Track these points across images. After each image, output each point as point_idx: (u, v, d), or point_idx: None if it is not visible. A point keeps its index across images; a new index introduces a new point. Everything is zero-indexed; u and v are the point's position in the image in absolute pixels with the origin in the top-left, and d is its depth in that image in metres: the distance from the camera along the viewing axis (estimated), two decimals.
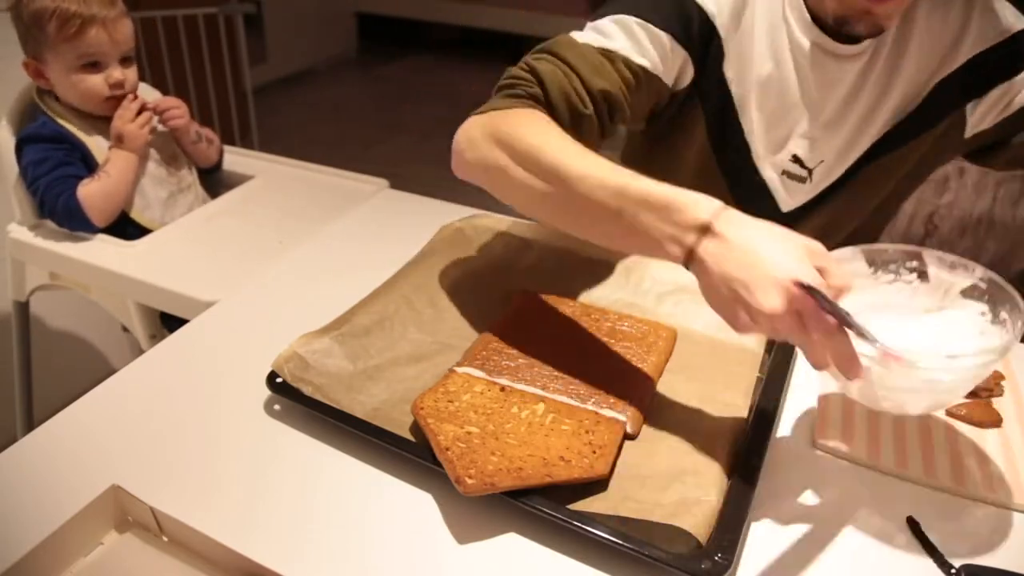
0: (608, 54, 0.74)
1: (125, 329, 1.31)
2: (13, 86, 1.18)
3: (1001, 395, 0.71)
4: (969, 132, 0.84)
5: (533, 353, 0.72)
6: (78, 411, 0.67)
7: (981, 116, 0.82)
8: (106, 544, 0.57)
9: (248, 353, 0.76)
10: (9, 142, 1.14)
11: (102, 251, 1.05)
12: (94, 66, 1.06)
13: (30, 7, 1.03)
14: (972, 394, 0.71)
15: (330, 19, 4.43)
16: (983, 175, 1.49)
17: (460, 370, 0.69)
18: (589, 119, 0.73)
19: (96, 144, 1.11)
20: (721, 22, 0.78)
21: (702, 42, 0.79)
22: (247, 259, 1.01)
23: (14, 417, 1.44)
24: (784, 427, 0.67)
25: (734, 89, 0.82)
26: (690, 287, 0.82)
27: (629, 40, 0.75)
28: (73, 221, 1.05)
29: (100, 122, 1.12)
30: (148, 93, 1.24)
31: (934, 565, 0.55)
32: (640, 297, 0.83)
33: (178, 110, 1.16)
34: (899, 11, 0.73)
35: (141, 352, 0.78)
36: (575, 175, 0.60)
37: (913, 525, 0.58)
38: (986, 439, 0.66)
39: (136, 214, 1.13)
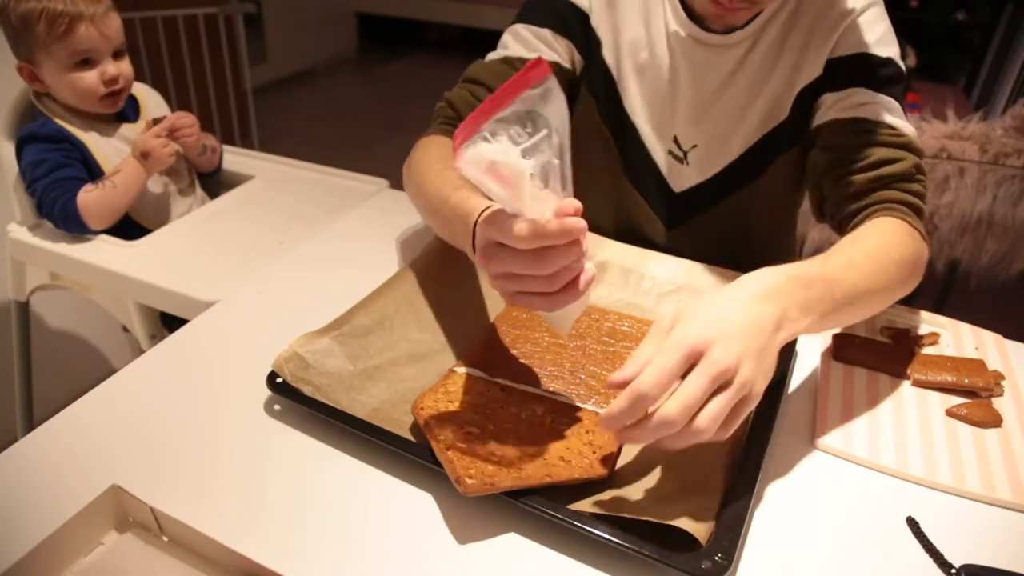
0: (507, 60, 0.87)
1: (125, 329, 1.31)
2: (12, 86, 1.18)
3: (1001, 395, 0.71)
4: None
5: (533, 353, 0.72)
6: (78, 411, 0.67)
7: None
8: (106, 544, 0.57)
9: (248, 353, 0.76)
10: (9, 142, 1.15)
11: (102, 251, 1.05)
12: (87, 63, 1.06)
13: (17, 10, 1.02)
14: (972, 394, 0.71)
15: (330, 19, 4.43)
16: (983, 175, 1.49)
17: (460, 370, 0.69)
18: None
19: (94, 142, 1.11)
20: (592, 11, 0.87)
21: (581, 30, 0.88)
22: (247, 259, 1.01)
23: (14, 417, 1.44)
24: (784, 427, 0.67)
25: (615, 73, 0.89)
26: (690, 287, 0.82)
27: (519, 43, 0.87)
28: (70, 224, 1.05)
29: (98, 121, 1.12)
30: (148, 93, 1.24)
31: (934, 565, 0.55)
32: (640, 297, 0.83)
33: (191, 128, 1.16)
34: (750, 9, 0.78)
35: (141, 352, 0.78)
36: (430, 191, 0.71)
37: (913, 525, 0.58)
38: (986, 439, 0.66)
39: (136, 214, 1.13)
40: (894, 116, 0.78)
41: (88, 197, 1.04)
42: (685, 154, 0.91)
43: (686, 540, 0.52)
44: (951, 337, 0.80)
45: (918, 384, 0.72)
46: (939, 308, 1.40)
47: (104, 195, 1.05)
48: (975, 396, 0.71)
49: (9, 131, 1.16)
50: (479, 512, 0.57)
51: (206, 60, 2.41)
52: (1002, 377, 0.73)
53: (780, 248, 1.01)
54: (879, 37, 0.80)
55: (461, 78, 0.89)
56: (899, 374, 0.74)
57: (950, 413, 0.69)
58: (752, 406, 0.52)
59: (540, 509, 0.54)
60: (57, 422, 0.66)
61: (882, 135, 0.77)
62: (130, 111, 1.18)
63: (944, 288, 1.62)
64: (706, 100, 0.87)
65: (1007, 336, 0.80)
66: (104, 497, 0.57)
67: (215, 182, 1.32)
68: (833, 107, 0.80)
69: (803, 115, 0.84)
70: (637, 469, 0.60)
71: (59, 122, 1.09)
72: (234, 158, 1.35)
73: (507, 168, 0.48)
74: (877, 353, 0.75)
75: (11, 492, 0.58)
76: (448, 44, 4.65)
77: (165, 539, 0.57)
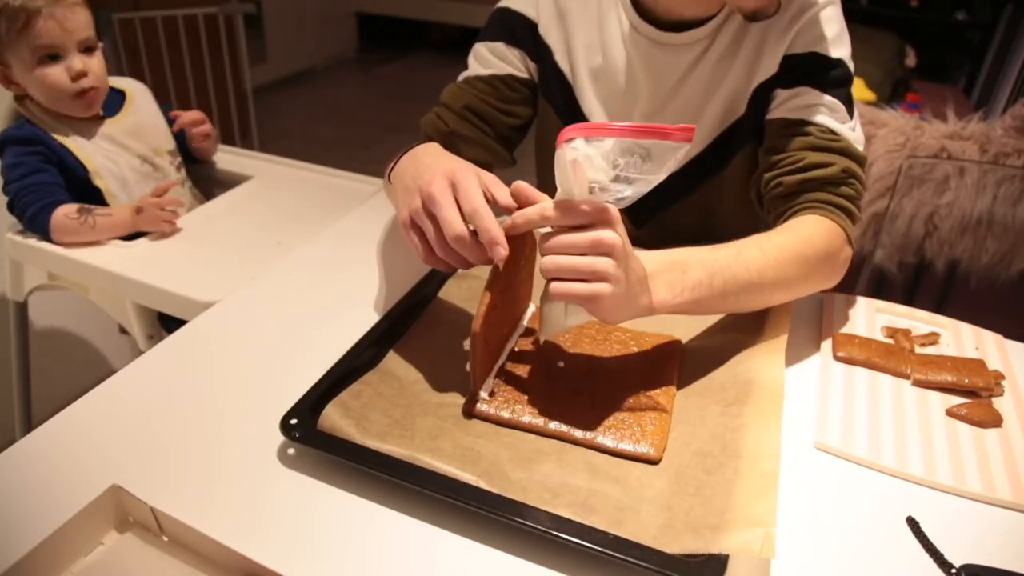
0: (466, 80, 0.95)
1: (123, 331, 1.31)
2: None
3: (1001, 395, 0.71)
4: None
5: (548, 394, 0.68)
6: (78, 411, 0.67)
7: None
8: (106, 544, 0.57)
9: (248, 354, 0.76)
10: None
11: (100, 251, 1.05)
12: (53, 59, 1.05)
13: None
14: (972, 394, 0.71)
15: (330, 19, 4.43)
16: (983, 175, 1.49)
17: (482, 406, 0.66)
18: (458, 131, 0.92)
19: (75, 143, 1.10)
20: (540, 21, 0.92)
21: (531, 40, 0.94)
22: (246, 259, 1.01)
23: (13, 418, 1.44)
24: (784, 427, 0.67)
25: (570, 79, 0.94)
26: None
27: (478, 62, 0.95)
28: (36, 230, 1.06)
29: (78, 121, 1.12)
30: (134, 86, 1.23)
31: (934, 565, 0.55)
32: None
33: (206, 126, 1.22)
34: None
35: (140, 352, 0.78)
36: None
37: (913, 525, 0.58)
38: (986, 439, 0.66)
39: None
40: (836, 119, 0.81)
41: (63, 221, 1.04)
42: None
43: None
44: (951, 337, 0.80)
45: (918, 384, 0.72)
46: (939, 308, 1.40)
47: (79, 229, 1.05)
48: (975, 396, 0.71)
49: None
50: (480, 514, 0.56)
51: (206, 60, 2.40)
52: (1002, 377, 0.73)
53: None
54: (832, 37, 0.83)
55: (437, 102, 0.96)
56: (899, 374, 0.74)
57: (950, 413, 0.69)
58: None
59: (538, 527, 0.54)
60: (57, 422, 0.66)
61: (819, 138, 0.80)
62: (113, 106, 1.17)
63: (944, 288, 1.62)
64: (663, 98, 0.90)
65: (1007, 336, 0.80)
66: (104, 497, 0.57)
67: (214, 182, 1.32)
68: (782, 104, 0.84)
69: (760, 110, 0.87)
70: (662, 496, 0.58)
71: (37, 124, 1.08)
72: (234, 158, 1.35)
73: (583, 173, 0.56)
74: (877, 353, 0.75)
75: (11, 492, 0.58)
76: (448, 44, 4.65)
77: (165, 539, 0.57)
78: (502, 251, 0.61)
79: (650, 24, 0.86)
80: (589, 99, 0.94)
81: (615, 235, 0.58)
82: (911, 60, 2.69)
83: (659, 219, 0.99)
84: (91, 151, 1.11)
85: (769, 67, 0.84)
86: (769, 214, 0.84)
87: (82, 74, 1.07)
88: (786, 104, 0.83)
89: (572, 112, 0.96)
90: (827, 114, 0.81)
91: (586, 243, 0.58)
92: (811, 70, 0.82)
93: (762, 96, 0.86)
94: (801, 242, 0.73)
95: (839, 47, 0.83)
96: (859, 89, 2.32)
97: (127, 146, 1.15)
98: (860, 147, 0.82)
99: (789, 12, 0.82)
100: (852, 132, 0.82)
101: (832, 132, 0.80)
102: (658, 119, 0.91)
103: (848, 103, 0.82)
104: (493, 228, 0.61)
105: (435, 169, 0.65)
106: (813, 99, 0.81)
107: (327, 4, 4.35)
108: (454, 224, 0.62)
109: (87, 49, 1.08)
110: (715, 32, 0.85)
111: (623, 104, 0.93)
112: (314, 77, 4.31)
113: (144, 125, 1.19)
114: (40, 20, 1.02)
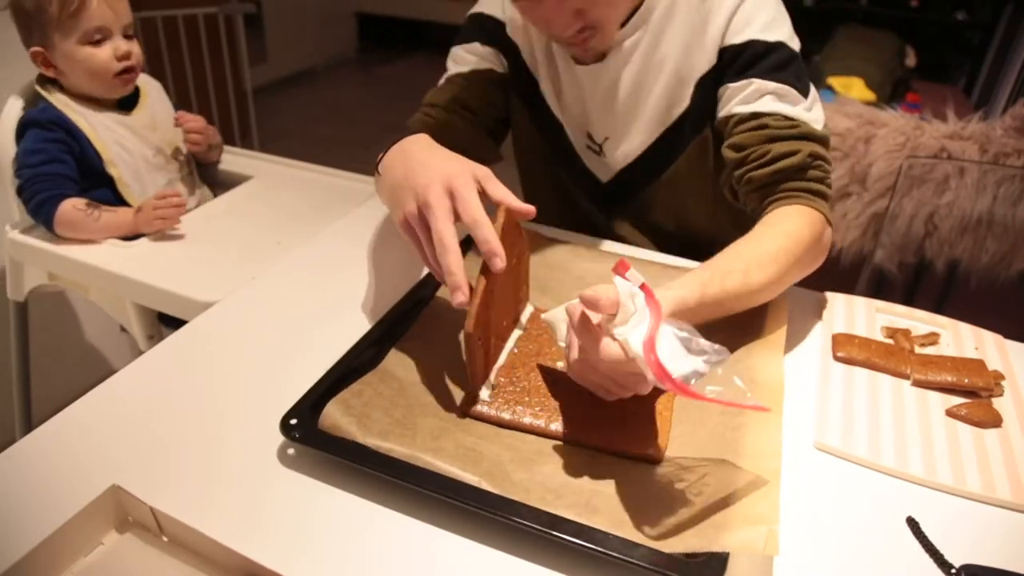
0: (448, 79, 1.00)
1: (123, 330, 1.31)
2: (10, 87, 1.18)
3: (1001, 395, 0.71)
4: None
5: (549, 395, 0.68)
6: (78, 411, 0.67)
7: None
8: (106, 544, 0.57)
9: (247, 354, 0.76)
10: (9, 144, 1.15)
11: (100, 251, 1.05)
12: (99, 42, 1.09)
13: None
14: (972, 394, 0.71)
15: (330, 19, 4.43)
16: (983, 175, 1.49)
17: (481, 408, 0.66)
18: (445, 121, 0.95)
19: (94, 130, 1.11)
20: (507, 21, 0.96)
21: (502, 39, 0.97)
22: (246, 259, 1.01)
23: (12, 418, 1.44)
24: (784, 427, 0.67)
25: (536, 77, 0.97)
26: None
27: (456, 63, 0.99)
28: (39, 219, 1.07)
29: (99, 109, 1.13)
30: (149, 83, 1.23)
31: (934, 565, 0.55)
32: None
33: (200, 136, 1.22)
34: (606, 38, 0.85)
35: (140, 352, 0.78)
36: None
37: (913, 525, 0.58)
38: (986, 439, 0.66)
39: (132, 199, 1.14)
40: (789, 104, 0.82)
41: (68, 213, 1.05)
42: (600, 147, 0.98)
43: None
44: (951, 337, 0.80)
45: (918, 384, 0.72)
46: (939, 308, 1.40)
47: (83, 222, 1.06)
48: (975, 396, 0.71)
49: (12, 130, 1.16)
50: (480, 514, 0.57)
51: (206, 60, 2.41)
52: (1002, 377, 0.73)
53: (718, 223, 1.02)
54: (767, 22, 0.83)
55: (422, 103, 0.99)
56: (899, 374, 0.74)
57: (950, 413, 0.69)
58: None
59: (539, 529, 0.54)
60: (57, 422, 0.66)
61: (778, 129, 0.81)
62: (129, 100, 1.18)
63: (944, 288, 1.62)
64: (603, 98, 0.93)
65: (1007, 336, 0.80)
66: (104, 497, 0.57)
67: (214, 182, 1.32)
68: (732, 99, 0.84)
69: (706, 102, 0.88)
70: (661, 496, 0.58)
71: (60, 109, 1.09)
72: (233, 158, 1.35)
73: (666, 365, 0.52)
74: (877, 353, 0.75)
75: (11, 492, 0.58)
76: (448, 44, 4.65)
77: (165, 539, 0.57)
78: (500, 263, 0.62)
79: None
80: (552, 98, 0.97)
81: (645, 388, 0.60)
82: (911, 60, 2.69)
83: (626, 212, 1.02)
84: (107, 139, 1.12)
85: (704, 60, 0.86)
86: (747, 206, 0.85)
87: (127, 55, 1.11)
88: (737, 98, 0.84)
89: (540, 111, 0.99)
90: (779, 101, 0.82)
91: (614, 383, 0.60)
92: (752, 60, 0.83)
93: (706, 90, 0.87)
94: (790, 242, 0.74)
95: (776, 29, 0.83)
96: (859, 89, 2.32)
97: (143, 136, 1.17)
98: (819, 126, 0.82)
99: (706, 6, 0.84)
100: (808, 113, 0.82)
101: (788, 119, 0.81)
102: (605, 117, 0.94)
103: (797, 83, 0.82)
104: (492, 239, 0.61)
105: (431, 172, 0.65)
106: (762, 89, 0.82)
107: (327, 4, 4.35)
108: (445, 241, 0.62)
109: (127, 35, 1.13)
110: (631, 38, 0.87)
111: (575, 103, 0.95)
112: (314, 77, 4.31)
113: (159, 119, 1.21)
114: (94, 3, 1.07)
